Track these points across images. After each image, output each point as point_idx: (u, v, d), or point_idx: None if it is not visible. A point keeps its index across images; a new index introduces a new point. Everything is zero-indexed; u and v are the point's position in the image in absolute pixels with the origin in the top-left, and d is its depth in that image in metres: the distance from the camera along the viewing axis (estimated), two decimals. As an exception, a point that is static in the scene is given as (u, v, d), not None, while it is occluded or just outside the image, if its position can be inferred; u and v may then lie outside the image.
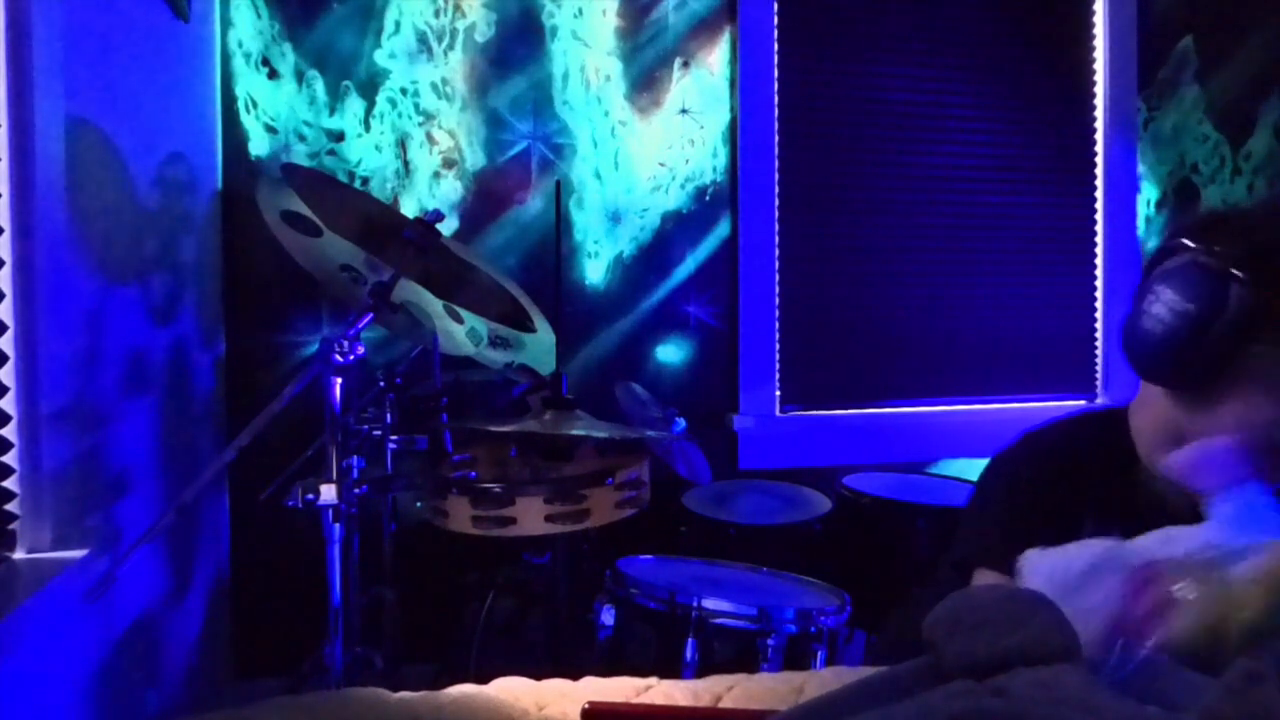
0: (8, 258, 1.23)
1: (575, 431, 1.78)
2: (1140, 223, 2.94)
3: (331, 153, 2.38)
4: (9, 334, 1.22)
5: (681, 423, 2.10)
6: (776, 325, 2.66)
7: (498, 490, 1.69)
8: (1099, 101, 2.91)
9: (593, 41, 2.53)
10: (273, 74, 2.35)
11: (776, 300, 2.66)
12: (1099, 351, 2.93)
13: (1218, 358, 0.94)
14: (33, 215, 1.25)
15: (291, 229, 1.66)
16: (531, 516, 1.66)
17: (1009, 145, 2.84)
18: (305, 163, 2.32)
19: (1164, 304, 0.97)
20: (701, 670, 1.55)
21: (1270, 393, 0.93)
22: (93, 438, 1.47)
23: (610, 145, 2.54)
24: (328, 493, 1.33)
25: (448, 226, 2.34)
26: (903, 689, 0.71)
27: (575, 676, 0.93)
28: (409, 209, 2.40)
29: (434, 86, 2.43)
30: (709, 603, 1.61)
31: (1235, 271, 0.92)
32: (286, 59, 2.35)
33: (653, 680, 0.91)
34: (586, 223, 2.54)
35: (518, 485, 1.71)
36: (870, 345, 2.76)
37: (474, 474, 1.70)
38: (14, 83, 1.24)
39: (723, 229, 2.63)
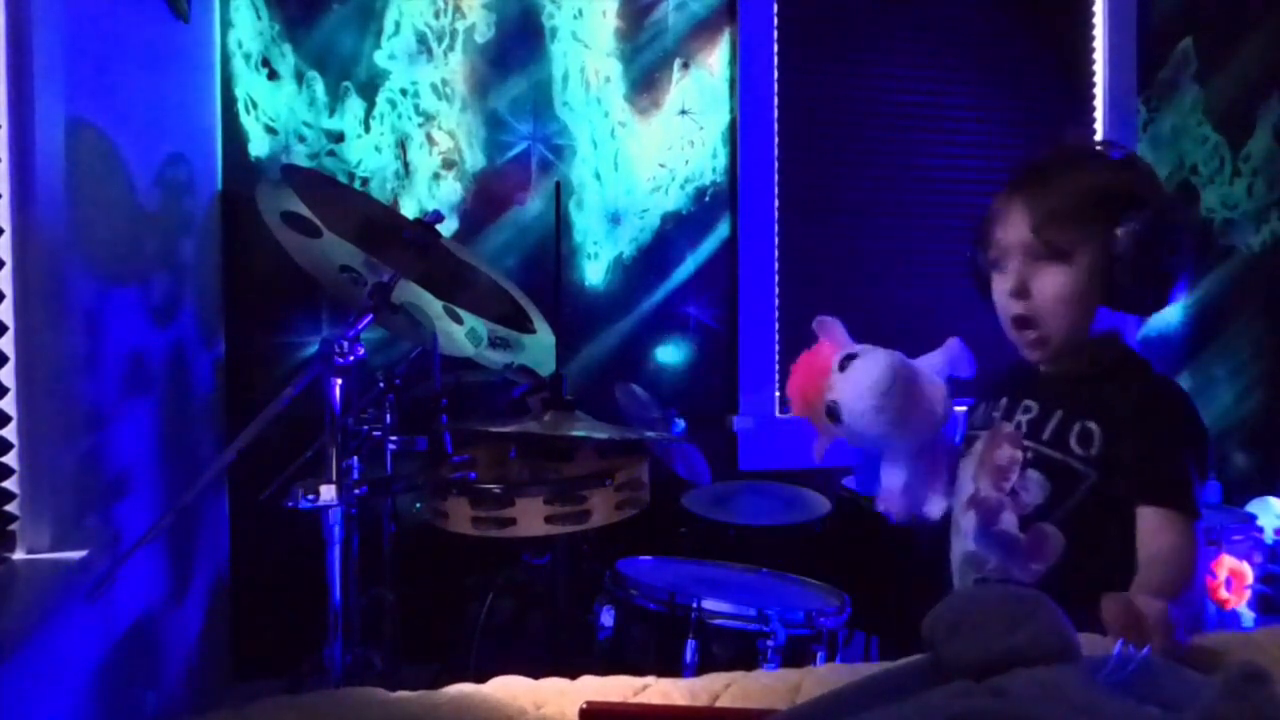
0: (8, 258, 1.23)
1: (575, 433, 1.78)
2: (1140, 224, 2.94)
3: (331, 153, 2.38)
4: (9, 334, 1.23)
5: (681, 424, 2.10)
6: (776, 326, 2.66)
7: (497, 491, 1.68)
8: (1099, 102, 2.92)
9: (592, 42, 2.53)
10: (273, 75, 2.35)
11: (776, 301, 2.67)
12: (1099, 352, 2.93)
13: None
14: (33, 215, 1.25)
15: (291, 230, 1.67)
16: (531, 517, 1.66)
17: (1009, 146, 2.84)
18: (305, 163, 2.33)
19: None
20: (701, 671, 1.55)
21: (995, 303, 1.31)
22: (93, 438, 1.47)
23: (610, 146, 2.55)
24: (327, 493, 1.33)
25: (447, 227, 2.34)
26: (903, 689, 0.71)
27: (574, 677, 0.93)
28: (409, 210, 2.40)
29: (434, 87, 2.44)
30: (709, 604, 1.61)
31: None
32: (286, 60, 2.35)
33: (650, 679, 0.91)
34: (586, 224, 2.54)
35: (518, 486, 1.71)
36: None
37: (474, 474, 1.70)
38: (14, 83, 1.24)
39: (722, 230, 2.63)
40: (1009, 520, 1.13)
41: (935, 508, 1.29)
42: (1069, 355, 1.28)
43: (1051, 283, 1.22)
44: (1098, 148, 1.32)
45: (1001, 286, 1.26)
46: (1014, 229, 1.23)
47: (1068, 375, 1.29)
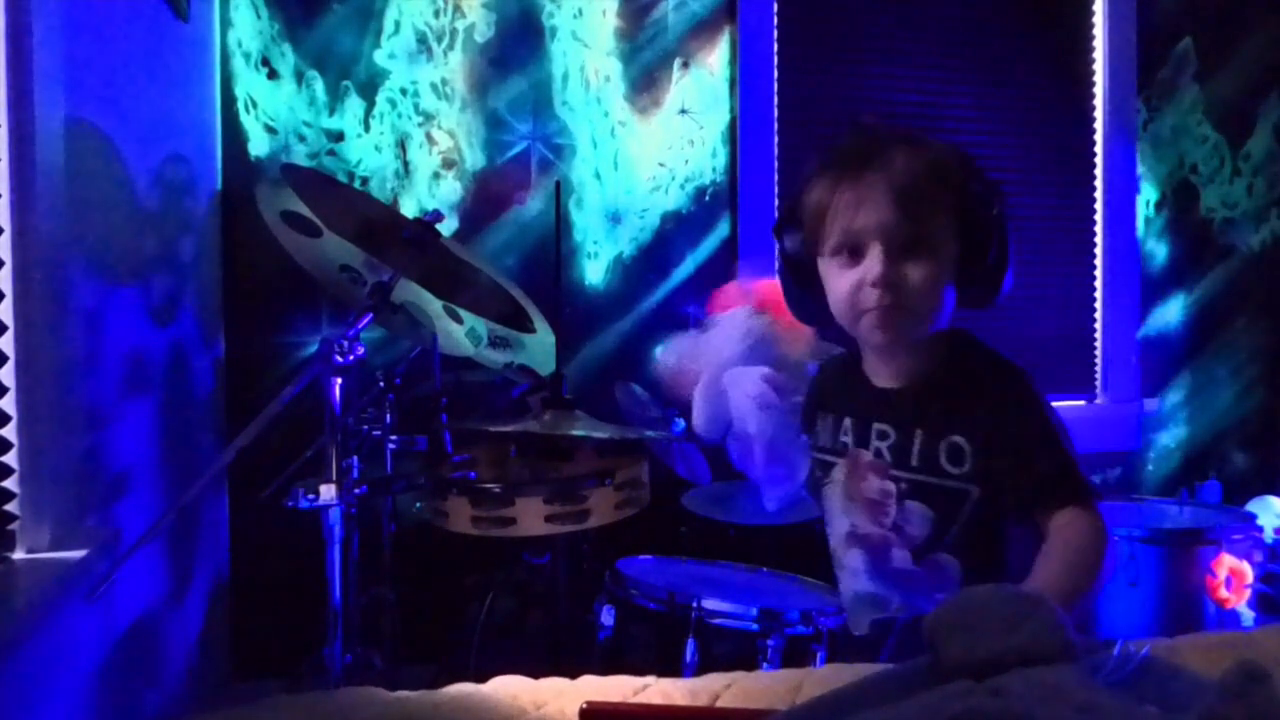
0: (8, 258, 1.23)
1: (575, 432, 1.78)
2: (1140, 224, 2.94)
3: (331, 153, 2.38)
4: (9, 334, 1.23)
5: (681, 423, 2.10)
6: (776, 326, 2.66)
7: (497, 490, 1.68)
8: (1099, 102, 2.91)
9: (592, 42, 2.53)
10: (272, 74, 2.35)
11: (776, 301, 2.66)
12: (1098, 352, 2.93)
13: (802, 293, 1.25)
14: (33, 215, 1.25)
15: (291, 229, 1.67)
16: (531, 517, 1.66)
17: (1008, 146, 2.84)
18: (305, 163, 2.32)
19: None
20: (701, 671, 1.55)
21: (832, 296, 1.20)
22: (93, 438, 1.47)
23: (610, 146, 2.54)
24: (327, 493, 1.33)
25: (447, 227, 2.34)
26: (902, 689, 0.71)
27: (574, 677, 0.93)
28: (409, 209, 2.40)
29: (434, 87, 2.44)
30: (709, 603, 1.61)
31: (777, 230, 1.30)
32: (286, 59, 2.35)
33: (650, 679, 0.91)
34: (586, 223, 2.54)
35: (517, 486, 1.71)
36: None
37: (474, 474, 1.70)
38: (14, 83, 1.24)
39: (722, 229, 2.63)
40: (900, 556, 1.12)
41: (768, 499, 1.31)
42: (908, 358, 1.21)
43: (918, 273, 1.13)
44: (901, 130, 1.23)
45: (852, 276, 1.14)
46: (873, 212, 1.12)
47: (912, 387, 1.20)
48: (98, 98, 1.50)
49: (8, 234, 1.23)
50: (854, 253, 1.15)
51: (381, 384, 1.73)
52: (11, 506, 1.23)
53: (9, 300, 1.23)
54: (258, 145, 2.34)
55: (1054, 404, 1.19)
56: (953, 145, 1.20)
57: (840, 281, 1.17)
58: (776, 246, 1.29)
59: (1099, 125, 2.92)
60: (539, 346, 1.95)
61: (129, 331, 1.67)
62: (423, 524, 1.82)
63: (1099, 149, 2.92)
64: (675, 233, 2.59)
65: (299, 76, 2.36)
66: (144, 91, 1.78)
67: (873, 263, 1.12)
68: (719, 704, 0.87)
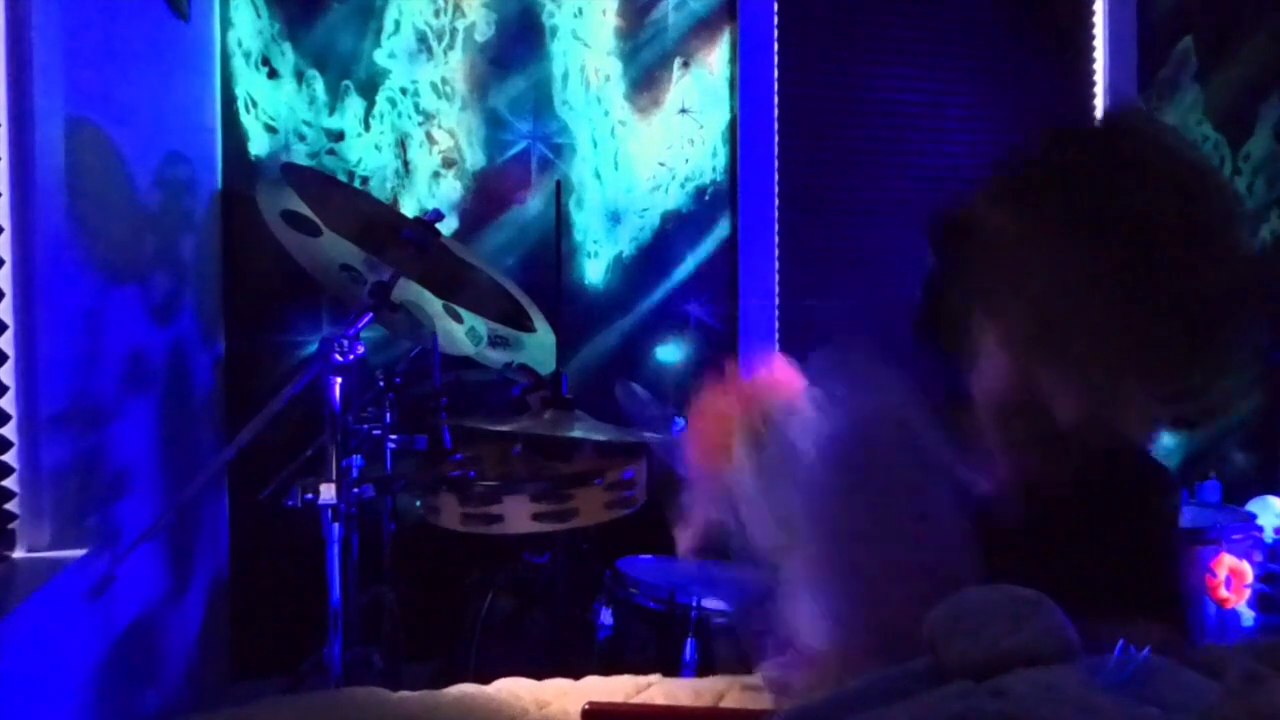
0: (8, 258, 1.23)
1: (572, 434, 1.77)
2: (1140, 223, 2.94)
3: (331, 152, 2.38)
4: (9, 334, 1.22)
5: (681, 423, 2.10)
6: (776, 325, 2.66)
7: (483, 488, 1.67)
8: (1099, 103, 2.91)
9: (592, 41, 2.53)
10: (272, 74, 2.34)
11: (776, 300, 2.66)
12: (1099, 352, 2.93)
13: (934, 321, 0.97)
14: (33, 215, 1.25)
15: (291, 229, 1.67)
16: (519, 515, 1.64)
17: (1008, 145, 2.83)
18: (305, 162, 2.32)
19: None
20: (701, 671, 1.55)
21: (984, 376, 0.91)
22: (93, 438, 1.47)
23: (610, 145, 2.54)
24: (327, 492, 1.33)
25: (447, 226, 2.34)
26: (902, 689, 0.71)
27: (575, 676, 0.93)
28: (409, 209, 2.40)
29: (434, 86, 2.43)
30: (709, 603, 1.61)
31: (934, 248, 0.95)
32: (286, 59, 2.35)
33: (653, 678, 0.91)
34: (586, 223, 2.54)
35: (505, 483, 1.70)
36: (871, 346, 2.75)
37: (474, 473, 1.70)
38: (14, 83, 1.24)
39: (722, 229, 2.63)
40: None
41: None
42: None
43: None
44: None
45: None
46: None
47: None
48: (98, 97, 1.50)
49: (8, 234, 1.23)
50: None
51: (381, 383, 1.73)
52: (11, 506, 1.23)
53: (9, 300, 1.23)
54: (258, 145, 2.34)
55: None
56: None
57: (1005, 369, 0.88)
58: (932, 257, 0.99)
59: (1099, 125, 2.91)
60: (539, 346, 1.95)
61: (129, 331, 1.67)
62: (423, 523, 1.82)
63: (1099, 149, 2.91)
64: (675, 232, 2.59)
65: (299, 76, 2.36)
66: (144, 91, 1.77)
67: None
68: (724, 704, 0.87)
